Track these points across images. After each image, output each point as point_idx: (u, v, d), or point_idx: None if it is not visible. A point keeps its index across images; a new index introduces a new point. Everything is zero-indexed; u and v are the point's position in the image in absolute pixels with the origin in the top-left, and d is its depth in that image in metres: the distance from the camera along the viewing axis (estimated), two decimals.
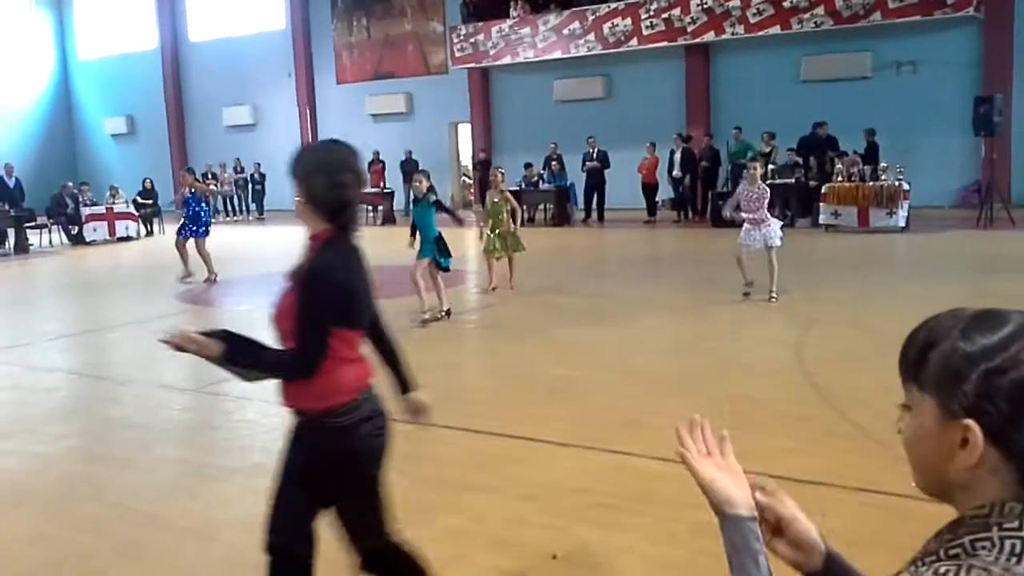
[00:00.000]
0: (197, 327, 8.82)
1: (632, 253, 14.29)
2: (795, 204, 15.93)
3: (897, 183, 14.21)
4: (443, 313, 8.67)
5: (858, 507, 3.89)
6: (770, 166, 16.29)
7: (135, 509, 4.26)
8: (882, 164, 14.60)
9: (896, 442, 4.08)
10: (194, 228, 12.12)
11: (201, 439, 5.51)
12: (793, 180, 15.83)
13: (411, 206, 9.22)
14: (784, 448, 4.66)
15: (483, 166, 21.93)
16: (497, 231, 10.21)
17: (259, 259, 13.97)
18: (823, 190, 14.76)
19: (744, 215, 8.90)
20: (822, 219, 14.74)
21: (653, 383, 6.14)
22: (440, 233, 8.78)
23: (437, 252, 8.57)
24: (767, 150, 16.59)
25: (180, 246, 12.21)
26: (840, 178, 14.81)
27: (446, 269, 8.81)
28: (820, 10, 17.48)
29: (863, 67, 18.12)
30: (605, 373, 6.49)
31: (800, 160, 16.09)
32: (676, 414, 5.12)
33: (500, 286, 10.23)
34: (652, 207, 18.08)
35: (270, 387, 6.53)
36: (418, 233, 8.65)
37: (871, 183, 14.43)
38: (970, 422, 1.02)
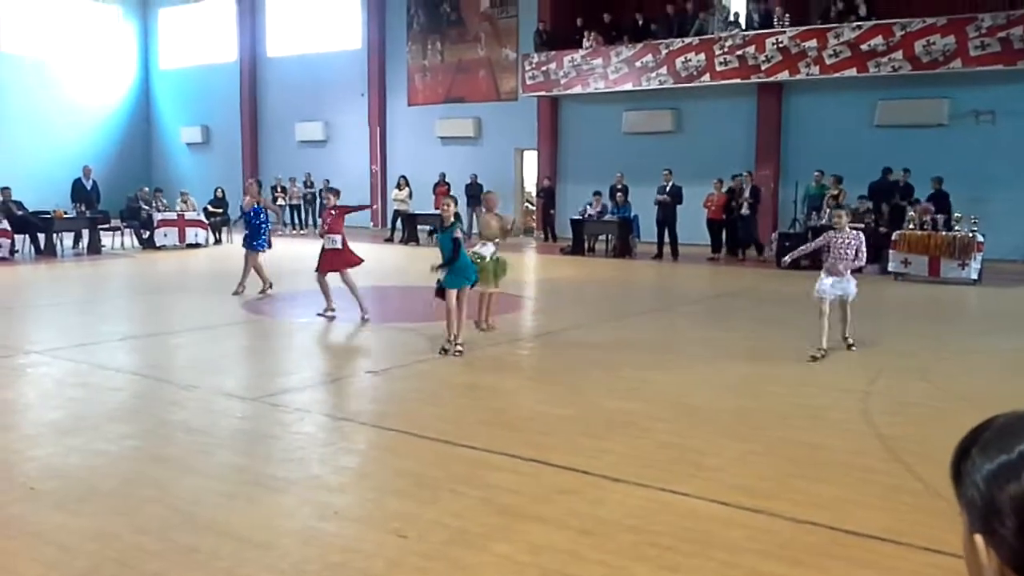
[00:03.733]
0: (263, 336, 8.93)
1: (695, 290, 14.17)
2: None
3: (971, 234, 13.88)
4: (451, 345, 8.18)
5: (923, 567, 3.77)
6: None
7: (195, 514, 4.32)
8: (956, 214, 14.28)
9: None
10: (253, 242, 12.09)
11: (260, 448, 5.57)
12: (863, 225, 15.55)
13: (438, 231, 8.78)
14: (847, 500, 4.55)
15: (547, 193, 22.03)
16: (497, 258, 9.22)
17: None
18: (894, 237, 14.48)
19: (830, 264, 8.22)
20: (891, 267, 14.45)
21: (712, 423, 6.05)
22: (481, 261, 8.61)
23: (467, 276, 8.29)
24: (835, 192, 16.37)
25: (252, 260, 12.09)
26: (912, 226, 14.53)
27: (470, 284, 8.42)
28: (899, 55, 17.24)
29: (940, 114, 17.79)
30: (663, 410, 6.42)
31: (870, 205, 15.83)
32: (734, 456, 5.08)
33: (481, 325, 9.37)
34: (717, 244, 17.90)
35: (329, 400, 6.62)
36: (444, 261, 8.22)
37: (944, 233, 14.12)
38: (978, 538, 0.95)
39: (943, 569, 3.77)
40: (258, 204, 12.31)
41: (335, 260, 10.10)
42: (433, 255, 9.10)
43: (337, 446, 5.57)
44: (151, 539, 4.01)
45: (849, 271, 8.20)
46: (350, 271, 10.18)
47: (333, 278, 10.19)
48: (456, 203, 8.55)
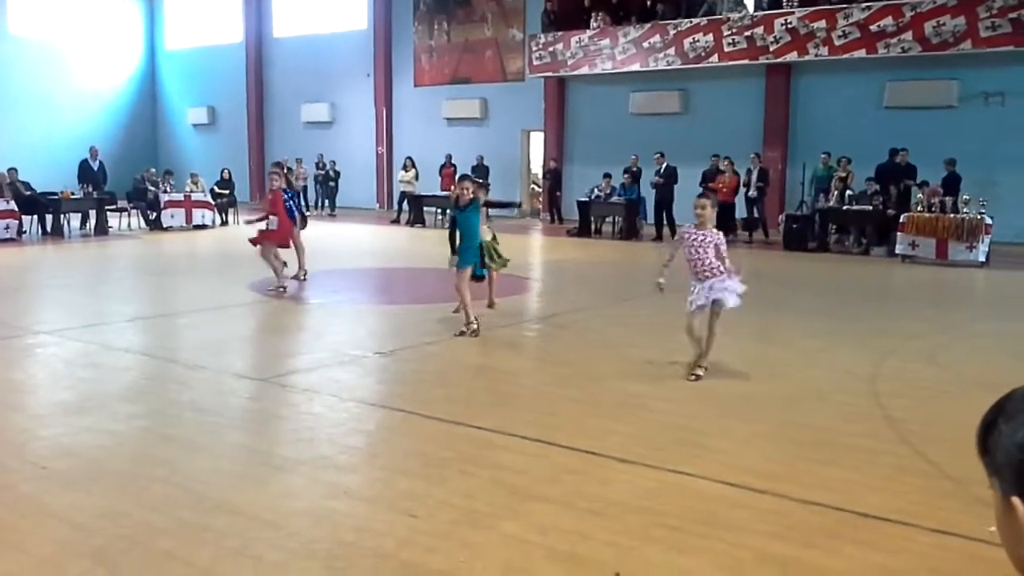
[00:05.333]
0: (271, 317, 8.95)
1: None
2: (871, 232, 15.62)
3: (979, 217, 13.83)
4: (471, 328, 8.16)
5: (932, 549, 3.77)
6: (847, 192, 16.03)
7: (204, 493, 4.34)
8: (964, 196, 14.22)
9: (972, 482, 3.98)
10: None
11: (269, 429, 5.59)
12: (870, 207, 15.51)
13: (452, 212, 8.73)
14: (854, 481, 4.55)
15: (553, 175, 21.97)
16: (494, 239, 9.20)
17: (331, 254, 14.13)
18: (902, 219, 14.43)
19: (693, 271, 6.59)
20: (899, 249, 14.41)
21: (718, 405, 6.05)
22: (492, 238, 8.50)
23: (479, 260, 8.28)
24: (843, 175, 16.32)
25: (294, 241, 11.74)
26: (920, 208, 14.48)
27: (480, 278, 8.50)
28: (908, 35, 17.11)
29: (949, 96, 17.68)
30: (670, 391, 6.42)
31: (877, 187, 15.77)
32: (741, 438, 5.09)
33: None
34: (727, 226, 17.78)
35: (338, 381, 6.64)
36: (460, 240, 8.25)
37: (952, 215, 14.07)
38: (1016, 500, 0.95)
39: (952, 551, 3.78)
40: (286, 188, 12.20)
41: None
42: (442, 237, 9.15)
43: (346, 426, 5.58)
44: (161, 518, 4.03)
45: (721, 275, 6.52)
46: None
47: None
48: (474, 183, 8.53)
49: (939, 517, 4.04)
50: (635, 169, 18.63)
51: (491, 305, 9.30)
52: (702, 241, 6.48)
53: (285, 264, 11.01)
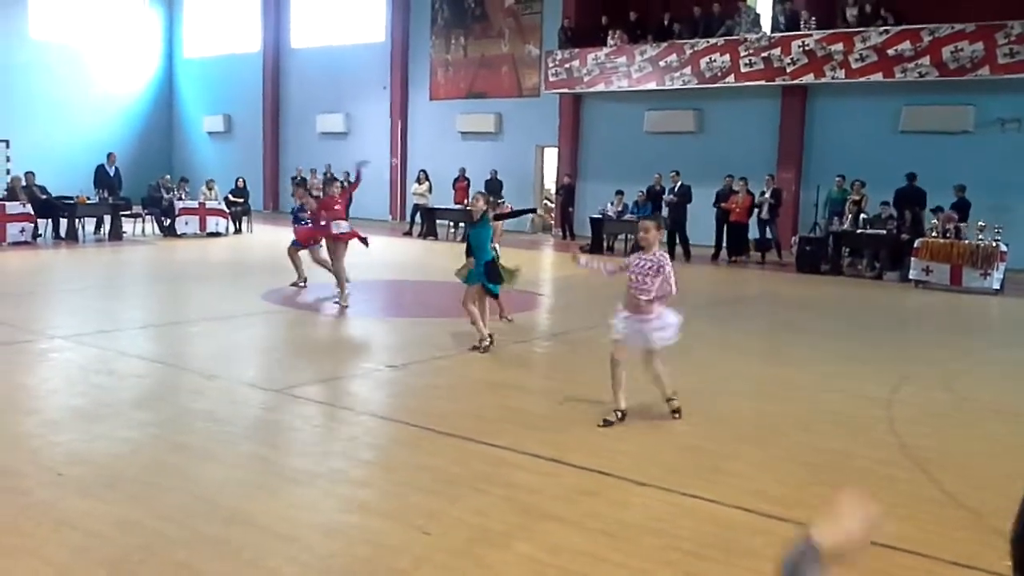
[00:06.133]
0: (284, 327, 8.97)
1: (713, 292, 14.12)
2: (885, 257, 15.58)
3: (994, 244, 13.78)
4: (483, 345, 8.18)
5: None
6: (861, 215, 16.01)
7: (219, 503, 4.35)
8: (980, 223, 14.18)
9: (988, 514, 3.97)
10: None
11: (282, 440, 5.60)
12: (884, 232, 15.48)
13: (466, 229, 8.75)
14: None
15: (566, 191, 21.99)
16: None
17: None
18: (916, 244, 14.39)
19: (629, 296, 5.96)
20: (912, 274, 14.36)
21: (732, 427, 6.04)
22: (495, 257, 8.41)
23: (487, 277, 8.25)
24: (857, 198, 16.29)
25: (316, 256, 11.66)
26: (935, 234, 14.44)
27: (494, 295, 8.50)
28: (926, 60, 17.12)
29: (965, 121, 17.66)
30: (689, 413, 6.39)
31: (893, 212, 15.74)
32: (755, 462, 5.06)
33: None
34: (740, 247, 17.75)
35: (350, 394, 6.64)
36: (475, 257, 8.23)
37: (966, 241, 14.03)
38: None
39: None
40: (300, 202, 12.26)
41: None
42: (454, 251, 9.19)
43: (359, 440, 5.59)
44: (176, 528, 4.04)
45: (657, 307, 5.90)
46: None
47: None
48: (486, 199, 8.53)
49: (956, 549, 4.01)
50: (658, 188, 18.48)
51: (502, 317, 9.31)
52: (645, 267, 5.88)
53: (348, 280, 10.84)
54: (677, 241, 17.97)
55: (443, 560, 3.79)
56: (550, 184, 24.29)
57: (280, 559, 3.77)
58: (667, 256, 5.99)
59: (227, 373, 7.30)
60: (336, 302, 10.58)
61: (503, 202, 9.62)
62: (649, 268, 5.85)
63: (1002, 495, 4.78)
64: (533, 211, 20.36)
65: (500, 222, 9.17)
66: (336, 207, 10.74)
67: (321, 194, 11.52)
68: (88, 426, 5.59)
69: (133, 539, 3.90)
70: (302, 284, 11.94)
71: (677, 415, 6.06)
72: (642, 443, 5.57)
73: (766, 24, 19.76)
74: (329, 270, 10.91)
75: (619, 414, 5.93)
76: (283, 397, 6.50)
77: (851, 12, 18.33)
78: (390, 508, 4.39)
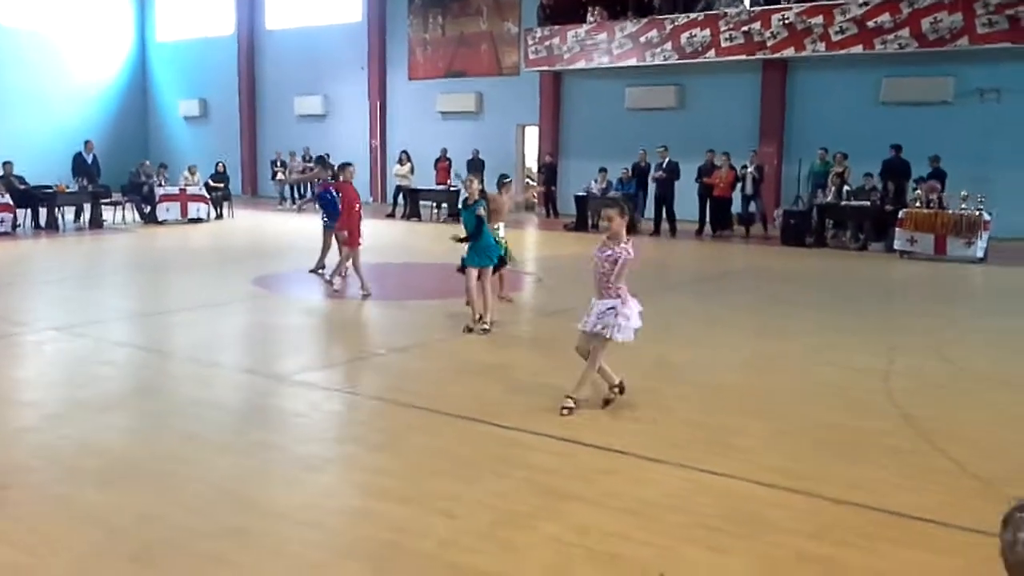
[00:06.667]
0: (277, 313, 8.90)
1: (700, 268, 14.19)
2: (869, 228, 15.70)
3: (978, 213, 13.92)
4: (476, 324, 8.16)
5: (969, 548, 3.81)
6: (844, 188, 16.11)
7: (237, 492, 4.33)
8: (963, 192, 14.31)
9: (998, 481, 4.04)
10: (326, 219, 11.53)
11: (291, 427, 5.58)
12: (868, 203, 15.60)
13: (460, 207, 8.71)
14: (884, 480, 4.59)
15: (548, 169, 21.96)
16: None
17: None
18: (900, 215, 14.52)
19: (595, 277, 5.66)
20: (897, 245, 14.50)
21: (736, 402, 6.09)
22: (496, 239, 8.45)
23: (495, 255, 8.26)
24: (840, 170, 16.39)
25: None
26: (918, 204, 14.57)
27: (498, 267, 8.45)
28: (905, 32, 17.20)
29: (945, 92, 17.80)
30: (686, 389, 6.46)
31: (876, 183, 15.86)
32: (764, 436, 5.11)
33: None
34: (724, 222, 17.82)
35: (354, 379, 6.63)
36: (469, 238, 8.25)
37: (950, 211, 14.17)
38: None
39: (986, 548, 3.80)
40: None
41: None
42: (438, 231, 9.22)
43: (369, 424, 5.58)
44: (198, 519, 4.02)
45: (611, 295, 5.55)
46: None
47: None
48: (480, 181, 8.49)
49: (971, 516, 4.07)
50: (643, 164, 18.51)
51: (501, 297, 9.34)
52: (605, 256, 5.50)
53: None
54: (664, 216, 18.02)
55: (469, 543, 3.80)
56: (532, 163, 24.23)
57: (305, 546, 3.77)
58: (630, 250, 5.49)
59: (227, 361, 7.26)
60: (332, 285, 10.61)
61: (509, 180, 9.58)
62: (608, 258, 5.48)
63: (1010, 463, 4.88)
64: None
65: (506, 202, 9.15)
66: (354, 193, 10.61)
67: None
68: (95, 418, 5.54)
69: (155, 531, 3.89)
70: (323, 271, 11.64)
71: (566, 412, 5.59)
72: (649, 420, 5.60)
73: None
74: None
75: (616, 390, 5.87)
76: (286, 383, 6.48)
77: None
78: (409, 492, 4.39)
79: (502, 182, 9.42)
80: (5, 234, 16.29)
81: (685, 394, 6.28)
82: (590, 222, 19.08)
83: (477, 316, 8.22)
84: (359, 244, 10.43)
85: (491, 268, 8.31)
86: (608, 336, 5.56)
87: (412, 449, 5.09)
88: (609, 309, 5.54)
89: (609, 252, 5.50)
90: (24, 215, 17.38)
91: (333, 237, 11.18)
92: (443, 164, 22.02)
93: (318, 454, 4.97)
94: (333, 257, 11.31)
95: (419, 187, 21.62)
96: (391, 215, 21.77)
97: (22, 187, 17.42)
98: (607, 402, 5.87)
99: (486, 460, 4.82)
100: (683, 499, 4.31)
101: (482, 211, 8.08)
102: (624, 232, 5.54)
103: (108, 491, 4.34)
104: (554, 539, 3.84)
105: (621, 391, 5.93)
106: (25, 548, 3.74)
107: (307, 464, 4.79)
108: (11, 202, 16.71)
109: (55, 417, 5.60)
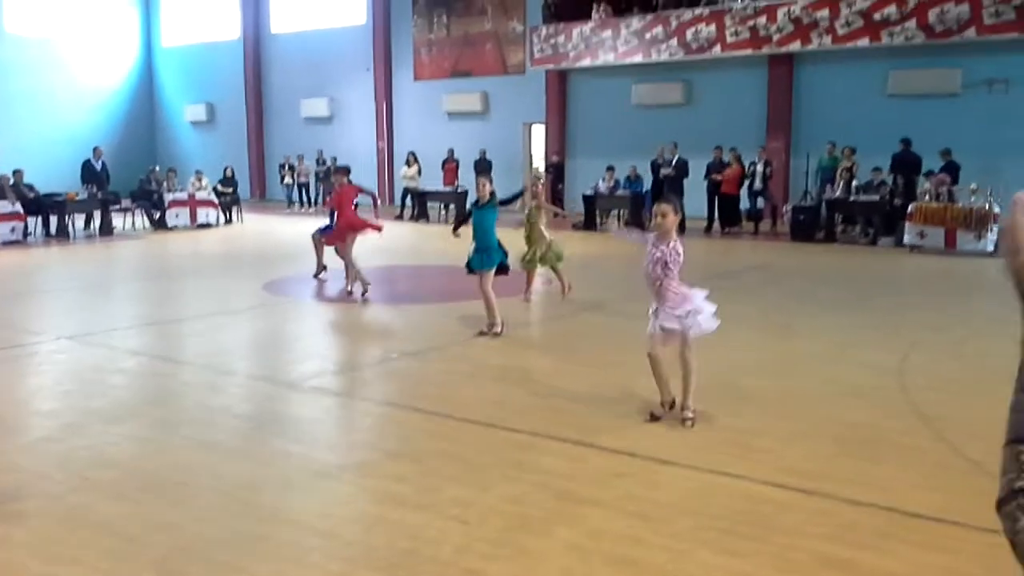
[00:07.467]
0: (289, 319, 8.88)
1: (713, 264, 14.15)
2: (878, 222, 15.65)
3: (987, 206, 13.86)
4: (494, 330, 8.20)
5: (988, 548, 3.79)
6: (853, 182, 16.06)
7: (254, 501, 4.35)
8: (972, 185, 14.24)
9: None
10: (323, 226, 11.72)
11: (306, 434, 5.60)
12: (877, 198, 15.54)
13: (471, 208, 8.76)
14: (899, 480, 4.58)
15: (555, 168, 21.91)
16: (535, 246, 9.89)
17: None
18: (910, 209, 14.46)
19: (646, 279, 5.56)
20: (907, 239, 14.44)
21: (754, 403, 6.07)
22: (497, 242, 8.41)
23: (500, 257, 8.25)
24: (848, 164, 16.34)
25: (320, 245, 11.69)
26: (928, 198, 14.51)
27: (506, 271, 8.39)
28: (912, 24, 17.11)
29: (953, 83, 17.69)
30: (703, 389, 6.40)
31: (884, 178, 15.81)
32: (781, 437, 5.10)
33: (548, 296, 9.86)
34: (733, 218, 17.76)
35: (368, 384, 6.63)
36: (476, 241, 8.26)
37: (959, 204, 14.11)
38: None
39: (1005, 549, 3.79)
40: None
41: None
42: (447, 233, 9.37)
43: (383, 431, 5.60)
44: (215, 528, 4.04)
45: (678, 289, 5.50)
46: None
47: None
48: (491, 181, 8.54)
49: (989, 517, 4.02)
50: (660, 161, 18.23)
51: (526, 297, 9.70)
52: (656, 257, 5.45)
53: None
54: None
55: (484, 549, 3.81)
56: (539, 162, 24.21)
57: (323, 555, 3.78)
58: (679, 250, 5.44)
59: (240, 368, 7.29)
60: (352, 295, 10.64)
61: (542, 180, 10.00)
62: (658, 260, 5.43)
63: None
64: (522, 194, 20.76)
65: (546, 205, 9.82)
66: (355, 199, 10.82)
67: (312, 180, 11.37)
68: (110, 427, 5.57)
69: (174, 541, 3.91)
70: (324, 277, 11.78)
71: (689, 423, 5.49)
72: (666, 423, 5.58)
73: None
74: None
75: (667, 406, 5.67)
76: (300, 390, 6.49)
77: None
78: (424, 499, 4.40)
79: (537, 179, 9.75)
80: (16, 242, 16.37)
81: (704, 395, 6.24)
82: (598, 221, 19.06)
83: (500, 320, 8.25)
84: (342, 241, 10.56)
85: (492, 271, 8.25)
86: (702, 330, 5.52)
87: (426, 455, 5.10)
88: (684, 308, 5.46)
89: (659, 254, 5.44)
90: (35, 223, 17.45)
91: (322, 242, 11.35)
92: (451, 165, 22.03)
93: (333, 461, 4.99)
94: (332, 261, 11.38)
95: (427, 189, 21.62)
96: (399, 217, 21.77)
97: (32, 195, 17.49)
98: (654, 418, 5.63)
99: (500, 465, 4.83)
100: (698, 502, 4.31)
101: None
102: (674, 231, 5.51)
103: (124, 501, 4.36)
104: (569, 544, 3.85)
105: (671, 407, 5.69)
106: (45, 559, 3.76)
107: (322, 472, 4.81)
108: (21, 210, 16.78)
109: (71, 427, 5.63)
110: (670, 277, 5.44)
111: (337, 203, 10.93)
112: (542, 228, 10.05)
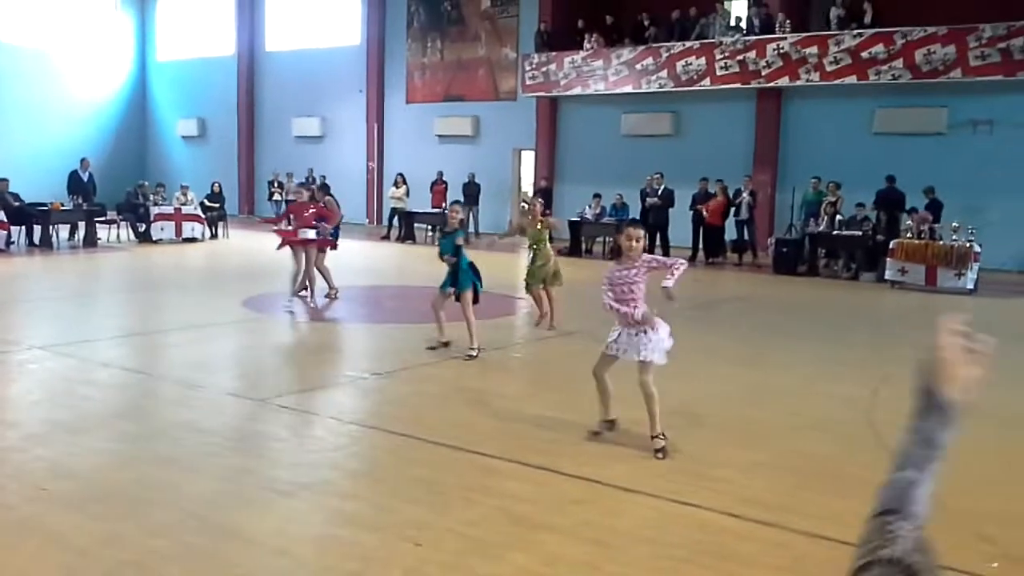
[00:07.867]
0: (266, 335, 8.87)
1: (693, 295, 14.17)
2: (861, 258, 15.73)
3: (968, 244, 13.96)
4: (442, 344, 8.44)
5: None
6: (837, 217, 16.16)
7: (209, 517, 4.32)
8: (954, 223, 14.36)
9: (971, 516, 4.03)
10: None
11: (269, 451, 5.57)
12: (860, 233, 15.64)
13: (439, 234, 8.89)
14: (859, 513, 4.53)
15: (544, 194, 21.97)
16: (539, 263, 9.90)
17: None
18: (891, 245, 14.55)
19: (613, 305, 5.61)
20: (888, 275, 14.52)
21: (718, 432, 6.08)
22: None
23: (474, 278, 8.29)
24: (832, 199, 16.44)
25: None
26: (910, 235, 14.61)
27: (476, 297, 8.40)
28: (899, 63, 17.32)
29: (938, 123, 17.89)
30: (669, 418, 6.39)
31: (867, 213, 15.92)
32: (742, 467, 5.09)
33: (542, 324, 9.87)
34: (717, 249, 17.82)
35: (336, 403, 6.61)
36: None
37: (941, 242, 14.21)
38: None
39: None
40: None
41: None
42: (433, 255, 9.36)
43: (347, 450, 5.57)
44: (167, 543, 4.01)
45: (641, 316, 5.50)
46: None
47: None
48: (463, 210, 8.56)
49: (949, 555, 4.04)
50: (649, 190, 18.26)
51: (551, 325, 9.78)
52: (629, 275, 5.51)
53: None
54: (658, 243, 18.03)
55: (435, 572, 3.79)
56: (527, 187, 24.28)
57: (271, 574, 3.75)
58: (643, 271, 5.56)
59: (210, 383, 7.24)
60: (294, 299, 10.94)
61: (541, 203, 10.23)
62: (634, 275, 5.51)
63: (985, 497, 4.86)
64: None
65: (547, 221, 10.09)
66: (306, 214, 10.91)
67: (297, 198, 11.53)
68: (72, 439, 5.53)
69: (124, 555, 3.87)
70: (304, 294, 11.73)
71: (660, 455, 5.38)
72: (630, 450, 5.58)
73: (742, 25, 19.88)
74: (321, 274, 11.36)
75: (608, 424, 5.84)
76: (267, 407, 6.46)
77: (836, 12, 18.47)
78: (380, 520, 4.37)
79: (529, 203, 9.88)
80: None
81: (670, 424, 6.22)
82: (584, 247, 19.13)
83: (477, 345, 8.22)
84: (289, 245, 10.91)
85: (470, 293, 8.26)
86: (647, 360, 5.49)
87: (387, 476, 5.08)
88: (645, 337, 5.49)
89: (631, 269, 5.51)
90: (18, 232, 17.40)
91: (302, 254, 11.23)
92: (439, 187, 22.10)
93: (292, 479, 4.95)
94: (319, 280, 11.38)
95: (414, 210, 21.66)
96: (386, 237, 21.80)
97: (16, 204, 17.45)
98: (595, 434, 5.81)
99: (461, 488, 4.81)
100: (656, 530, 4.30)
101: (461, 240, 8.15)
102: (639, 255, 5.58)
103: (77, 513, 4.32)
104: (521, 569, 3.83)
105: (611, 427, 5.86)
106: None
107: (280, 489, 4.77)
108: (5, 219, 16.73)
109: (33, 437, 5.58)
110: (638, 298, 5.51)
111: (295, 211, 11.12)
112: (548, 249, 9.97)
